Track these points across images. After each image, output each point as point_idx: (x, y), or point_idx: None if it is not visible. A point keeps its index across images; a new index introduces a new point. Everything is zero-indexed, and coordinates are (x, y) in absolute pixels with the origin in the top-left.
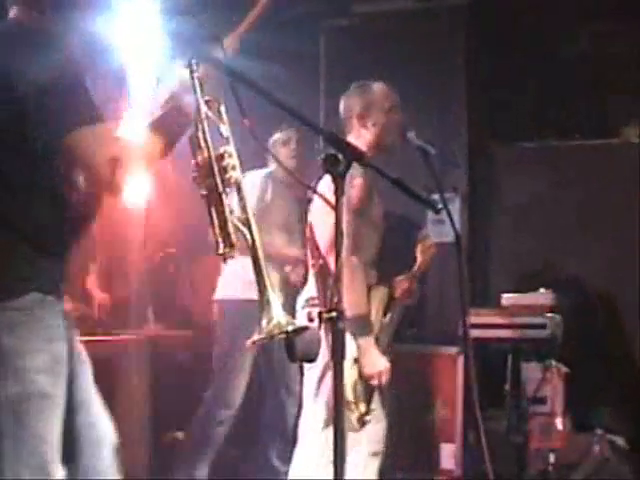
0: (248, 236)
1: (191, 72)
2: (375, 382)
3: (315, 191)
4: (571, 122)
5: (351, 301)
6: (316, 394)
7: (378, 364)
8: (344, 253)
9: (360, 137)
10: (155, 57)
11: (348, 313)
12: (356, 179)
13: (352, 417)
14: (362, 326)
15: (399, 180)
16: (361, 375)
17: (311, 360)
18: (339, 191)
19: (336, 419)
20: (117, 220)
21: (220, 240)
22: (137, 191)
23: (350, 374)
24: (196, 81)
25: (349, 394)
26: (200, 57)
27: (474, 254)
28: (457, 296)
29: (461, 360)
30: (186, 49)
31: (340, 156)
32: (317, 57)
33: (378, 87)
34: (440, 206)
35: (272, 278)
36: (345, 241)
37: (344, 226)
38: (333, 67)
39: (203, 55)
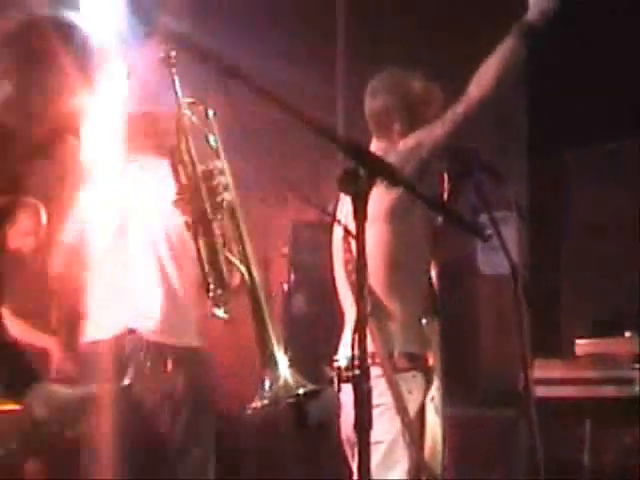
0: (246, 274)
1: (169, 66)
2: None
3: (333, 216)
4: None
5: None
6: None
7: None
8: (378, 285)
9: (396, 150)
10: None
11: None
12: None
13: None
14: None
15: (437, 201)
16: None
17: (325, 429)
18: (360, 215)
19: None
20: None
21: (210, 279)
22: None
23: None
24: (176, 78)
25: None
26: (178, 43)
27: (539, 290)
28: (517, 344)
29: (523, 426)
30: (160, 35)
31: (361, 171)
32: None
33: (421, 85)
34: (489, 232)
35: None
36: (378, 266)
37: (373, 240)
38: (355, 47)
39: (181, 41)
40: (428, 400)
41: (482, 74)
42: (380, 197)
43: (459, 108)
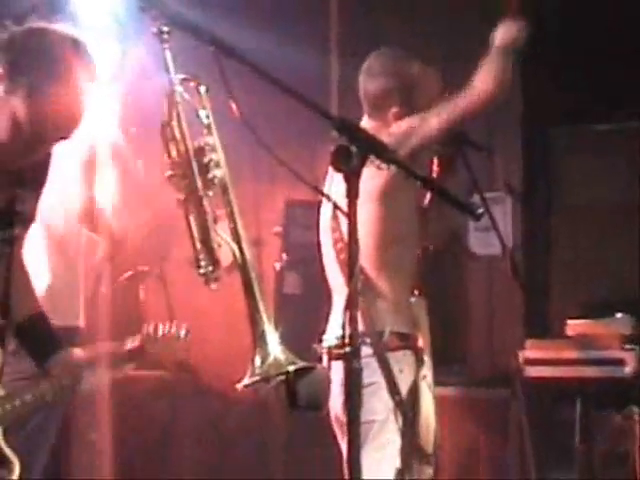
0: (237, 252)
1: (162, 41)
2: None
3: (324, 194)
4: None
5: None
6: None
7: None
8: (368, 264)
9: (388, 132)
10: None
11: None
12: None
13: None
14: None
15: (430, 179)
16: None
17: (317, 408)
18: (352, 192)
19: None
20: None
21: (201, 256)
22: (98, 191)
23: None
24: (168, 53)
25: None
26: (172, 20)
27: (531, 270)
28: (509, 323)
29: (516, 406)
30: (155, 10)
31: (353, 148)
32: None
33: (421, 68)
34: (481, 211)
35: None
36: (368, 246)
37: (364, 219)
38: (349, 25)
39: (176, 17)
40: (420, 379)
41: (484, 73)
42: (371, 177)
43: (459, 104)
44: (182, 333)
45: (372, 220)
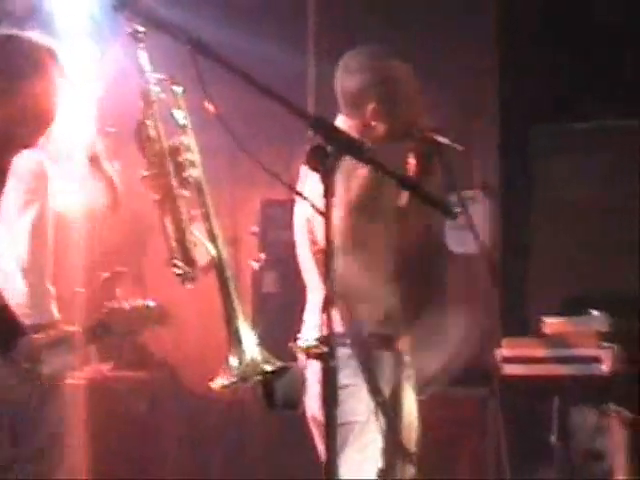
0: (213, 251)
1: (137, 41)
2: None
3: (300, 194)
4: (633, 97)
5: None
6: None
7: None
8: (344, 266)
9: (365, 128)
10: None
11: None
12: (359, 169)
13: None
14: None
15: (406, 178)
16: None
17: (293, 407)
18: (328, 192)
19: None
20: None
21: (177, 256)
22: (74, 191)
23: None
24: (143, 53)
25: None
26: (146, 19)
27: (508, 268)
28: (486, 321)
29: (494, 405)
30: (128, 10)
31: (329, 147)
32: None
33: (398, 65)
34: (458, 210)
35: None
36: (344, 247)
37: (340, 221)
38: (326, 23)
39: (150, 17)
40: (404, 379)
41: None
42: (343, 180)
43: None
44: (150, 303)
45: (347, 221)
